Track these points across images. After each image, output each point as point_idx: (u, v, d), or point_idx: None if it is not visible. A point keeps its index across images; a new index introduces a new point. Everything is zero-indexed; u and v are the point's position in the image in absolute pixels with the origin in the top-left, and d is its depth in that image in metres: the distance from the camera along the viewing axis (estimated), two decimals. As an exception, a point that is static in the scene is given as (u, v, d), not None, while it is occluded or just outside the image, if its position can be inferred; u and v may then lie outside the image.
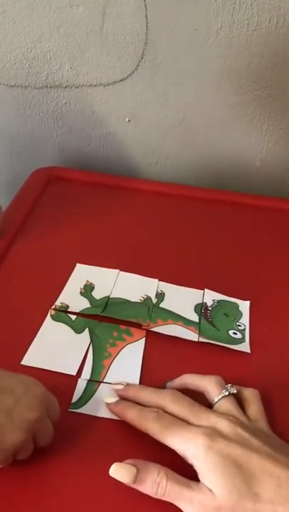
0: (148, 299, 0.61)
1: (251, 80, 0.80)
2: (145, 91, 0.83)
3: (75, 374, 0.50)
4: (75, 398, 0.47)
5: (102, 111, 0.86)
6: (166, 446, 0.41)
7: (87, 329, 0.55)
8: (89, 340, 0.54)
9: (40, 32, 0.78)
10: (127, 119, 0.86)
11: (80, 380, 0.49)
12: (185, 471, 0.39)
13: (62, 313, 0.57)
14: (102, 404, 0.47)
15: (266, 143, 0.87)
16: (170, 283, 0.64)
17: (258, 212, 0.82)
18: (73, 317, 0.57)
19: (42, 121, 0.88)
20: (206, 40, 0.77)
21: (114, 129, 0.88)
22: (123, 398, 0.46)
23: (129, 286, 0.63)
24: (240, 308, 0.61)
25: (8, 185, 0.97)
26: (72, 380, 0.49)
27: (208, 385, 0.45)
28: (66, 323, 0.56)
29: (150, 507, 0.39)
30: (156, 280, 0.64)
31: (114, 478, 0.40)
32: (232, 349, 0.55)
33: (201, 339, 0.55)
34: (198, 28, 0.76)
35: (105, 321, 0.57)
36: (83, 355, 0.52)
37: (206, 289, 0.63)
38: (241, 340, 0.56)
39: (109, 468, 0.41)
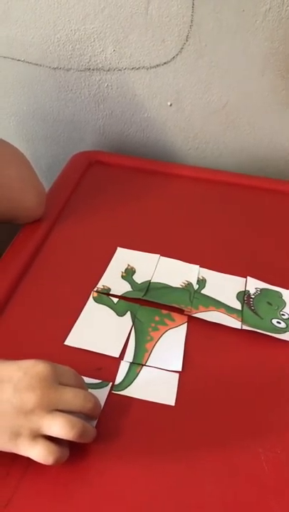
0: (189, 284, 0.60)
1: (298, 64, 0.78)
2: (188, 74, 0.82)
3: (118, 356, 0.50)
4: (118, 380, 0.48)
5: (144, 94, 0.85)
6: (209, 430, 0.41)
7: (129, 312, 0.55)
8: (131, 323, 0.54)
9: (84, 13, 0.77)
10: (169, 103, 0.85)
11: (122, 362, 0.50)
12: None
13: (105, 296, 0.57)
14: (145, 387, 0.47)
15: (311, 129, 0.85)
16: (211, 270, 0.63)
17: (301, 201, 0.80)
18: (115, 300, 0.57)
19: (83, 104, 0.88)
20: (254, 22, 0.75)
21: (156, 113, 0.87)
22: None
23: (170, 271, 0.62)
24: (283, 298, 0.60)
25: (48, 169, 0.98)
26: (115, 362, 0.50)
27: None
28: (108, 306, 0.56)
29: (188, 488, 0.39)
30: (197, 266, 0.64)
31: (155, 459, 0.41)
32: (275, 338, 0.54)
33: (244, 327, 0.54)
34: (245, 9, 0.74)
35: (147, 305, 0.57)
36: (126, 337, 0.52)
37: (248, 277, 0.62)
38: (285, 330, 0.55)
39: (152, 449, 0.41)
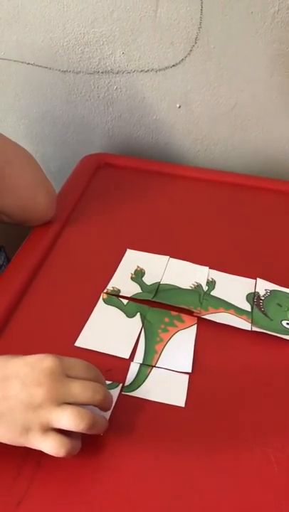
0: (199, 286, 0.60)
1: (307, 65, 0.78)
2: (197, 76, 0.82)
3: (128, 357, 0.50)
4: (128, 381, 0.48)
5: (153, 97, 0.85)
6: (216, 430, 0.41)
7: (138, 314, 0.56)
8: (141, 325, 0.54)
9: (93, 17, 0.78)
10: (178, 105, 0.86)
11: (132, 363, 0.50)
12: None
13: (114, 297, 0.58)
14: (155, 388, 0.47)
15: None
16: (221, 271, 0.64)
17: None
18: (125, 301, 0.57)
19: (92, 107, 0.88)
20: (262, 23, 0.75)
21: (164, 116, 0.87)
22: None
23: (179, 272, 0.63)
24: (293, 299, 0.60)
25: (57, 171, 0.99)
26: (125, 363, 0.50)
27: None
28: (118, 307, 0.56)
29: (198, 489, 0.39)
30: (207, 268, 0.64)
31: (166, 460, 0.41)
32: (285, 339, 0.54)
33: (254, 328, 0.54)
34: (254, 11, 0.74)
35: (156, 306, 0.57)
36: (135, 339, 0.53)
37: (258, 279, 0.62)
38: (295, 331, 0.55)
39: (161, 450, 0.41)
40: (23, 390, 0.38)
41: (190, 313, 0.56)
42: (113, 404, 0.45)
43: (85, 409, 0.39)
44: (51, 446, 0.37)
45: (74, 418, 0.38)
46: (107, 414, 0.44)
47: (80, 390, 0.39)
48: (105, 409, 0.42)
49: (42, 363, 0.39)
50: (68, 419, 0.38)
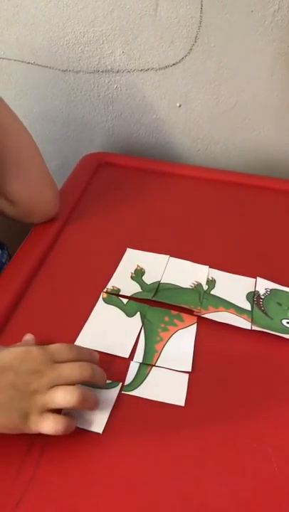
0: (199, 285, 0.60)
1: (308, 64, 0.78)
2: (197, 75, 0.82)
3: (127, 356, 0.50)
4: (128, 380, 0.48)
5: (153, 96, 0.85)
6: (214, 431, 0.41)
7: (138, 313, 0.56)
8: (140, 324, 0.54)
9: (93, 16, 0.78)
10: (178, 104, 0.86)
11: (132, 362, 0.50)
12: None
13: (114, 297, 0.57)
14: (155, 387, 0.47)
15: None
16: (221, 270, 0.63)
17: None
18: (125, 301, 0.57)
19: (92, 106, 0.88)
20: (262, 22, 0.75)
21: (165, 115, 0.87)
22: None
23: (179, 272, 0.63)
24: (293, 298, 0.60)
25: (58, 170, 0.98)
26: (125, 362, 0.50)
27: None
28: (118, 307, 0.56)
29: (198, 488, 0.39)
30: (207, 267, 0.64)
31: (166, 459, 0.41)
32: (285, 338, 0.54)
33: (254, 327, 0.54)
34: (254, 10, 0.74)
35: (156, 305, 0.57)
36: (135, 338, 0.52)
37: (258, 278, 0.62)
38: (295, 330, 0.55)
39: (161, 450, 0.42)
40: (18, 379, 0.41)
41: (190, 312, 0.56)
42: (113, 404, 0.45)
43: (76, 386, 0.42)
44: (49, 425, 0.40)
45: (65, 395, 0.41)
46: (108, 413, 0.44)
47: (68, 371, 0.43)
48: (98, 384, 0.45)
49: (30, 354, 0.42)
50: (60, 397, 0.41)
